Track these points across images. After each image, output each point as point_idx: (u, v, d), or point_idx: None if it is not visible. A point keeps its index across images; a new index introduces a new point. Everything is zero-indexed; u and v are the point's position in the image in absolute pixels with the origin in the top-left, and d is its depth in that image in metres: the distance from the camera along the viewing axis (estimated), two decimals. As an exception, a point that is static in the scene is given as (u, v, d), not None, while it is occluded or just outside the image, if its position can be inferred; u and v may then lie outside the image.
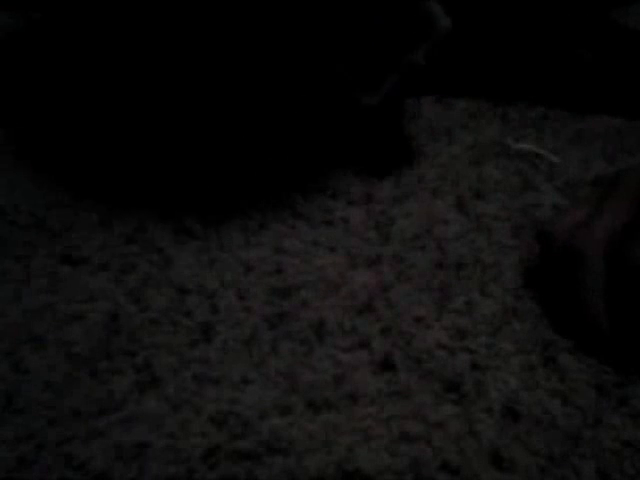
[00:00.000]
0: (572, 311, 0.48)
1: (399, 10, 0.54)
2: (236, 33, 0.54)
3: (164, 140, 0.61)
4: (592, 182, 0.60)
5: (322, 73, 0.55)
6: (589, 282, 0.47)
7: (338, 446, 0.42)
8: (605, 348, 0.47)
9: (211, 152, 0.60)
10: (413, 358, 0.47)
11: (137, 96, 0.62)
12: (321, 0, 0.53)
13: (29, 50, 0.71)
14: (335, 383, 0.45)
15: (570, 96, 0.69)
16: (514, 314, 0.50)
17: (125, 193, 0.58)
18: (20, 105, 0.67)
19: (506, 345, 0.48)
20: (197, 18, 0.55)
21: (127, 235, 0.55)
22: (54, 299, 0.51)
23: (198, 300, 0.51)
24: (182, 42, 0.56)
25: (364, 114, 0.56)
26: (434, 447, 0.42)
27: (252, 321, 0.49)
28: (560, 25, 0.69)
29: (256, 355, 0.47)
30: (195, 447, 0.42)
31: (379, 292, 0.51)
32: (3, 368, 0.46)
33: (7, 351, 0.47)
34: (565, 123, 0.67)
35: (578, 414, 0.44)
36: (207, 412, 0.44)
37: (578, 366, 0.47)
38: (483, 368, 0.46)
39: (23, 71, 0.69)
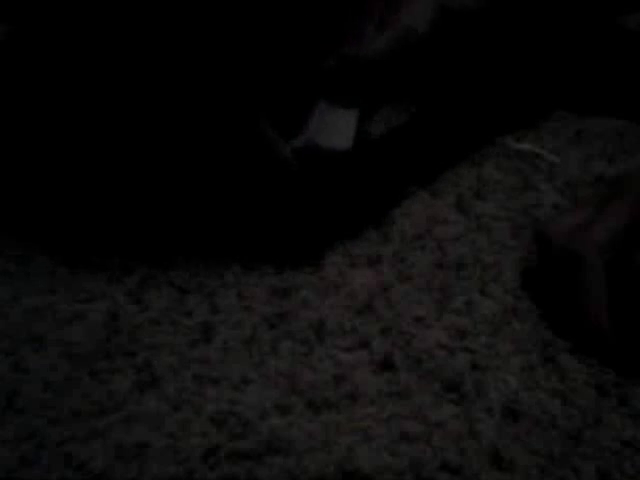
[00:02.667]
0: (572, 312, 0.48)
1: None
2: None
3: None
4: (593, 182, 0.60)
5: None
6: (589, 283, 0.47)
7: (338, 446, 0.42)
8: (606, 349, 0.47)
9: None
10: (413, 358, 0.47)
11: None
12: None
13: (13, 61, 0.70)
14: (335, 383, 0.45)
15: (570, 96, 0.69)
16: (514, 314, 0.50)
17: (126, 194, 0.58)
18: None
19: (506, 345, 0.48)
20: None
21: (127, 236, 0.55)
22: (54, 299, 0.51)
23: (198, 300, 0.51)
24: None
25: None
26: (434, 447, 0.42)
27: (252, 321, 0.49)
28: (565, 26, 0.69)
29: (256, 355, 0.47)
30: (195, 447, 0.42)
31: (379, 292, 0.51)
32: (3, 368, 0.46)
33: (7, 351, 0.47)
34: (565, 123, 0.67)
35: (578, 414, 0.44)
36: (207, 412, 0.44)
37: (578, 366, 0.47)
38: (483, 368, 0.46)
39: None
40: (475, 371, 0.46)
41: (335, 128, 0.50)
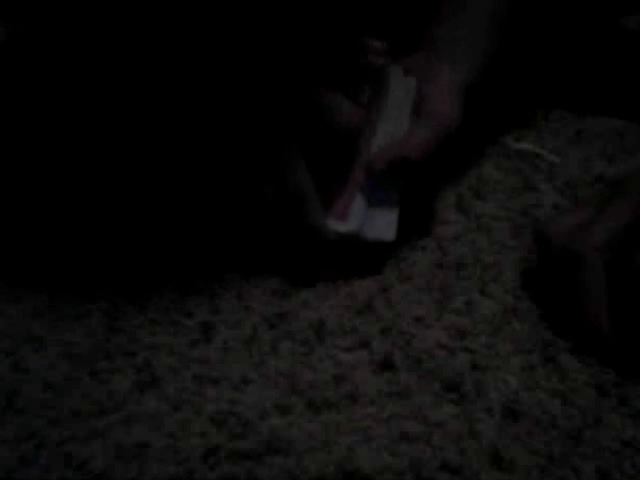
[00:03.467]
0: (572, 312, 0.48)
1: None
2: None
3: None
4: (593, 182, 0.60)
5: None
6: (589, 283, 0.47)
7: (338, 446, 0.42)
8: (606, 349, 0.47)
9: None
10: (413, 358, 0.47)
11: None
12: None
13: (14, 61, 0.70)
14: (335, 383, 0.45)
15: (570, 96, 0.69)
16: (514, 314, 0.50)
17: (127, 196, 0.58)
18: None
19: (506, 345, 0.48)
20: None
21: (128, 237, 0.55)
22: (54, 299, 0.51)
23: (198, 300, 0.51)
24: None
25: None
26: (434, 447, 0.42)
27: (252, 321, 0.49)
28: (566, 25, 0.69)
29: (256, 355, 0.47)
30: (195, 447, 0.42)
31: (379, 292, 0.51)
32: (3, 368, 0.46)
33: (7, 351, 0.47)
34: (565, 123, 0.67)
35: (578, 414, 0.44)
36: (207, 412, 0.44)
37: (578, 366, 0.47)
38: (483, 368, 0.46)
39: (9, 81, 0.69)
40: (475, 371, 0.46)
41: (381, 221, 0.53)
